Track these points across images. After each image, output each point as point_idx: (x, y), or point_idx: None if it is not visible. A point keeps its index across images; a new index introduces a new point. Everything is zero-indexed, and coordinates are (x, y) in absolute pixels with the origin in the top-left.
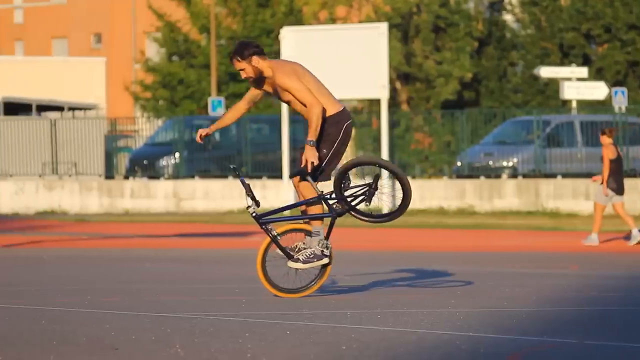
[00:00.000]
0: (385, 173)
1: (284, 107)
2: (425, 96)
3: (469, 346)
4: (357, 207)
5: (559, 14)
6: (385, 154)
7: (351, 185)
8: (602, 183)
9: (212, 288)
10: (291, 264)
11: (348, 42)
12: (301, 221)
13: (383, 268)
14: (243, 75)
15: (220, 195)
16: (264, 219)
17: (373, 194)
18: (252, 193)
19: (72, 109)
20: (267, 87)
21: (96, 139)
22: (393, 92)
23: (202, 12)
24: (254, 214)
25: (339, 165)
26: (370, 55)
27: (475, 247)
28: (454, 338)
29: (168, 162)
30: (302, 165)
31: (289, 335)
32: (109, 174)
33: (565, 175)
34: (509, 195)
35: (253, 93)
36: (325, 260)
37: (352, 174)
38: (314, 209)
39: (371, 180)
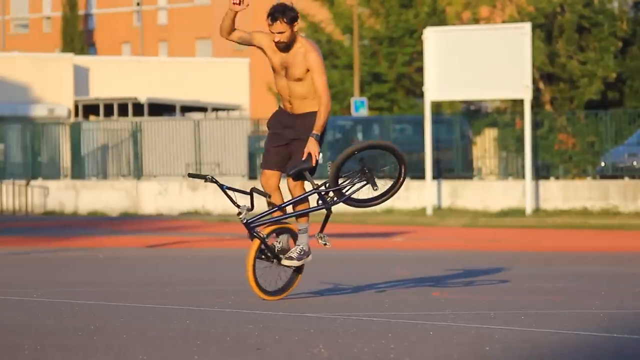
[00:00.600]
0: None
1: (427, 108)
2: (568, 96)
3: (614, 348)
4: (353, 195)
5: None
6: (528, 155)
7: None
8: None
9: (355, 288)
10: (286, 262)
11: (491, 42)
12: (286, 220)
13: (525, 268)
14: (279, 37)
15: (364, 195)
16: (255, 224)
17: (374, 176)
18: (252, 198)
19: (216, 109)
20: (277, 56)
21: (239, 140)
22: (536, 92)
23: (345, 12)
24: (244, 220)
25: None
26: (513, 55)
27: (619, 248)
28: (598, 340)
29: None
30: (304, 159)
31: (431, 336)
32: (252, 175)
33: None
34: None
35: (253, 40)
36: (310, 257)
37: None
38: (303, 206)
39: (362, 167)
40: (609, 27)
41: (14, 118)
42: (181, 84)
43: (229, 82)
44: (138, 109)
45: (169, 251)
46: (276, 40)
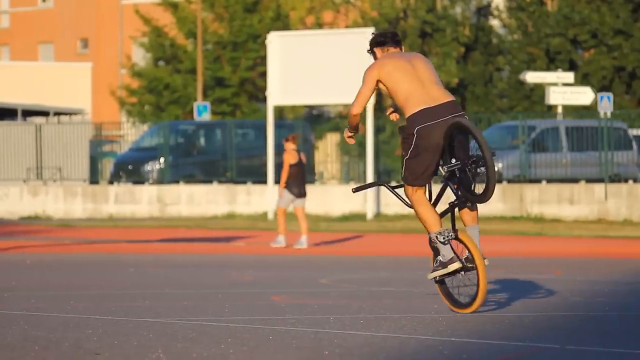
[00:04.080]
0: None
1: (270, 112)
2: None
3: (451, 352)
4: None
5: (545, 20)
6: (370, 160)
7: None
8: (283, 187)
9: (196, 292)
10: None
11: (334, 47)
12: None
13: (367, 272)
14: None
15: (204, 200)
16: None
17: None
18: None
19: (58, 113)
20: None
21: (81, 144)
22: (379, 96)
23: (188, 17)
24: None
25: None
26: (356, 60)
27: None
28: (436, 343)
29: (153, 167)
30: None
31: (271, 341)
32: (94, 179)
33: (550, 181)
34: (493, 200)
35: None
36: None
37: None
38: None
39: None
40: (451, 32)
41: None
42: (23, 88)
43: (71, 86)
44: None
45: (8, 256)
46: None
